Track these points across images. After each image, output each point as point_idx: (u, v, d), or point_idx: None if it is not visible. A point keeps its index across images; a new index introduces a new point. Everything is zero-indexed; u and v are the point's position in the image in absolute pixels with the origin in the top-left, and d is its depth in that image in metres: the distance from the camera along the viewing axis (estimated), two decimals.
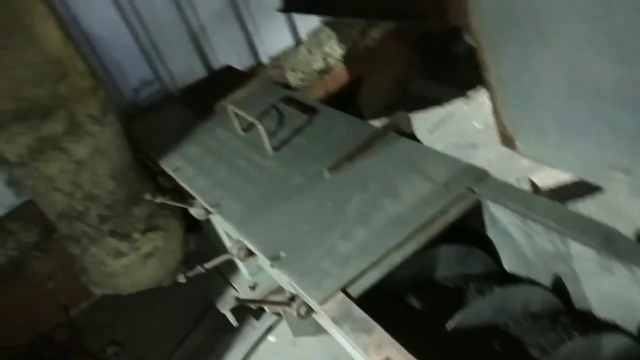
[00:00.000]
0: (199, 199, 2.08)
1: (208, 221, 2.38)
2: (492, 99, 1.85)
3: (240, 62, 3.34)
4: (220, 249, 2.62)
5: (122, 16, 2.86)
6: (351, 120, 2.13)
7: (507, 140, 1.90)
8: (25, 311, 3.05)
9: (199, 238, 2.98)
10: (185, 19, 3.08)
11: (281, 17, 3.39)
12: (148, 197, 2.32)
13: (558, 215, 1.38)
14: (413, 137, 1.91)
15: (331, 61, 3.74)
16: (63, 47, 2.11)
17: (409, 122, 1.94)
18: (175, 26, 3.07)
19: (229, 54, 3.31)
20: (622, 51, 1.44)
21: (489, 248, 1.63)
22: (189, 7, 3.05)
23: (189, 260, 2.71)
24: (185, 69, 3.18)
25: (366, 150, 1.87)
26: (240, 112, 2.21)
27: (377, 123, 2.13)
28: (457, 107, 4.06)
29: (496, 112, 1.86)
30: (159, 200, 2.32)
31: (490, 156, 3.46)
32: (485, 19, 1.64)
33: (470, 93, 4.02)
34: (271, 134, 2.16)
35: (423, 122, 3.85)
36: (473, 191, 1.56)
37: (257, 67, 3.46)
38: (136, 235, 2.44)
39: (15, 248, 2.97)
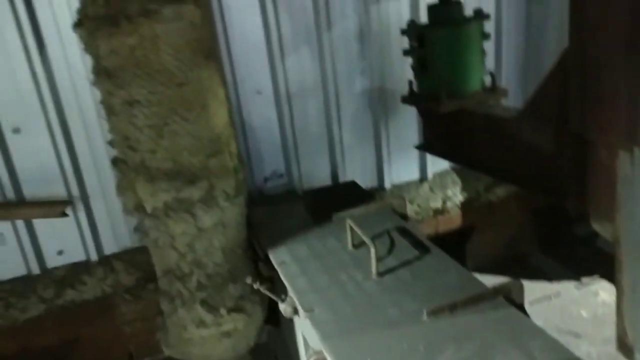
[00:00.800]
0: (294, 298, 2.13)
1: (290, 320, 2.41)
2: (618, 300, 1.77)
3: (365, 180, 3.51)
4: (292, 350, 2.62)
5: (278, 115, 3.20)
6: (462, 270, 2.12)
7: (624, 348, 1.77)
8: (97, 347, 3.19)
9: (272, 332, 3.00)
10: (330, 130, 3.36)
11: (415, 152, 3.57)
12: (249, 280, 2.41)
13: None
14: (522, 309, 1.86)
15: (449, 205, 3.80)
16: (225, 129, 2.38)
17: (521, 293, 1.90)
18: (319, 134, 3.35)
19: (356, 170, 3.50)
20: None
21: None
22: (337, 121, 3.34)
23: (255, 350, 2.73)
24: (314, 172, 3.41)
25: (471, 306, 1.84)
26: (356, 228, 2.29)
27: (479, 276, 2.10)
28: (565, 288, 3.86)
29: (619, 315, 1.76)
30: (256, 286, 2.41)
31: (591, 351, 3.20)
32: (634, 223, 1.62)
33: (584, 279, 3.83)
34: (379, 258, 2.20)
35: (526, 291, 3.70)
36: None
37: (378, 190, 3.61)
38: (223, 311, 2.52)
39: (112, 285, 3.18)
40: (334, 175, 3.47)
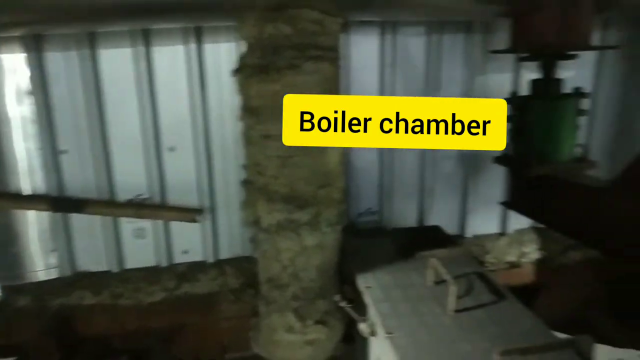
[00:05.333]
0: (378, 320, 2.16)
1: (364, 340, 2.43)
2: None
3: (448, 226, 3.45)
4: None
5: (379, 161, 3.30)
6: (535, 320, 2.05)
7: None
8: (198, 335, 3.35)
9: (346, 349, 3.01)
10: (422, 178, 3.39)
11: (497, 209, 3.50)
12: (337, 298, 2.48)
13: None
14: None
15: (524, 260, 3.66)
16: (336, 167, 2.47)
17: (590, 349, 1.81)
18: (413, 180, 3.40)
19: (441, 216, 3.49)
20: None
21: None
22: (430, 172, 3.38)
23: None
24: (403, 213, 3.44)
25: (541, 354, 1.79)
26: (439, 267, 2.30)
27: None
28: (631, 357, 3.52)
29: None
30: (342, 304, 2.46)
31: None
32: None
33: None
34: (457, 297, 2.18)
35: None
36: None
37: (458, 237, 3.56)
38: (310, 322, 2.58)
39: (220, 285, 3.32)
40: (420, 218, 3.48)
